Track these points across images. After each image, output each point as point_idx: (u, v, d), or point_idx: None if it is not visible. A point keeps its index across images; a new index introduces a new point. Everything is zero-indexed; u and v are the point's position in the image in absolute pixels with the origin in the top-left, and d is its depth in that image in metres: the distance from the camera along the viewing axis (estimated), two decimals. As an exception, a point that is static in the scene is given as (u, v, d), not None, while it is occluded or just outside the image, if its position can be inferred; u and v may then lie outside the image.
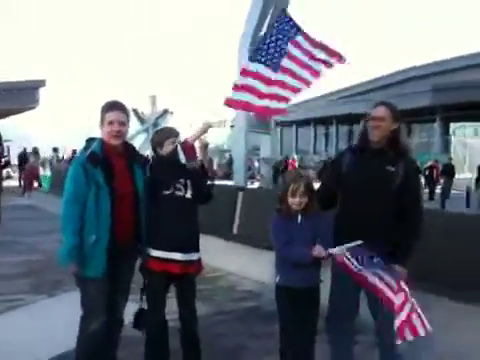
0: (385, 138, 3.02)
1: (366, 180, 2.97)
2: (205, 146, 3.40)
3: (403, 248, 2.97)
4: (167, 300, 3.27)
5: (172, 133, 3.30)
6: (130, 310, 3.29)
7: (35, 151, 20.62)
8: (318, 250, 2.87)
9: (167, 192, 3.20)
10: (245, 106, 3.96)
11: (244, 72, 3.91)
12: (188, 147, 3.25)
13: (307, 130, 46.12)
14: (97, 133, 3.17)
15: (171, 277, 3.20)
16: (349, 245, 2.81)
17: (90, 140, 3.15)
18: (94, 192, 2.95)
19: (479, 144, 28.98)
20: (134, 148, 3.31)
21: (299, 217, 3.04)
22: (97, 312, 3.03)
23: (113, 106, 3.07)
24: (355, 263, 2.83)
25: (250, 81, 3.87)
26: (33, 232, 9.32)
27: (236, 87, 3.84)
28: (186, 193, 3.22)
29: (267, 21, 16.38)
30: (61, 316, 4.43)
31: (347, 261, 2.85)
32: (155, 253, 3.18)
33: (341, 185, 3.11)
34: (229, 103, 3.86)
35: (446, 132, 34.76)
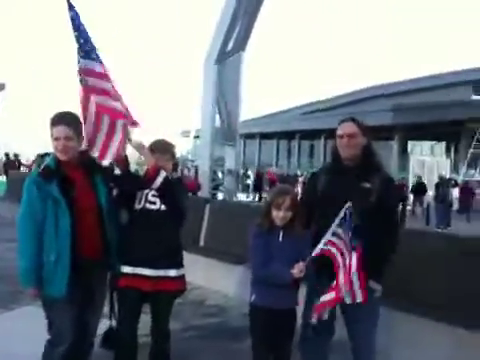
0: (357, 155, 2.98)
1: (341, 198, 2.86)
2: (139, 147, 3.09)
3: (379, 263, 2.91)
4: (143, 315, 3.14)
5: (157, 148, 3.15)
6: (102, 328, 3.14)
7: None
8: (298, 268, 2.73)
9: (139, 205, 3.09)
10: (109, 111, 3.19)
11: (88, 72, 3.13)
12: (119, 160, 3.11)
13: (270, 143, 46.57)
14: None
15: (145, 294, 3.04)
16: (330, 230, 2.70)
17: (43, 156, 2.97)
18: (51, 208, 2.78)
19: (436, 162, 29.97)
20: (94, 160, 3.10)
21: (280, 234, 2.91)
22: (65, 335, 2.83)
23: (59, 120, 2.87)
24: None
25: (98, 82, 3.13)
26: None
27: (88, 89, 3.14)
28: (161, 206, 3.08)
29: (235, 34, 16.57)
30: (16, 333, 4.15)
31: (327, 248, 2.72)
32: (125, 269, 3.03)
33: (317, 204, 3.04)
34: (99, 110, 3.17)
35: (404, 150, 35.77)
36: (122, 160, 3.11)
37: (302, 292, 3.07)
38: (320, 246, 2.71)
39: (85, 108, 3.08)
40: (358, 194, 2.88)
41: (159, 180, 2.98)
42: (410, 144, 36.11)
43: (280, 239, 2.90)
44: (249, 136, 44.30)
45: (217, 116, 16.53)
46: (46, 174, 2.81)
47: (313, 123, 38.54)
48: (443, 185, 16.14)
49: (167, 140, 3.29)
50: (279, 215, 2.88)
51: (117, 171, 3.13)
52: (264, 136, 46.21)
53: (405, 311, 4.15)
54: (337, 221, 2.70)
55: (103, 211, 2.96)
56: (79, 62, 3.03)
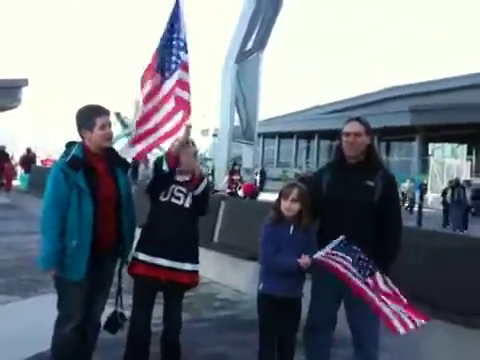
0: (361, 153, 3.10)
1: (346, 196, 3.01)
2: (194, 154, 3.32)
3: (385, 259, 2.97)
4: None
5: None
6: (108, 313, 3.28)
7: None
8: (304, 260, 2.86)
9: (164, 199, 3.20)
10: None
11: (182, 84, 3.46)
12: (171, 157, 3.19)
13: (289, 143, 46.47)
14: (75, 136, 3.16)
15: (159, 283, 3.16)
16: (332, 244, 2.78)
17: (70, 144, 3.14)
18: (76, 196, 2.94)
19: (455, 165, 29.64)
20: (116, 152, 3.30)
21: (291, 227, 3.03)
22: (74, 315, 3.01)
23: (104, 110, 3.11)
24: (337, 256, 2.78)
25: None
26: (11, 232, 9.15)
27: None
28: (185, 202, 3.21)
29: (254, 35, 16.62)
30: (35, 318, 4.35)
31: (329, 260, 2.79)
32: (142, 257, 3.17)
33: (322, 201, 3.12)
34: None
35: (425, 152, 35.39)
36: (172, 156, 3.19)
37: (308, 285, 3.16)
38: (321, 253, 2.80)
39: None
40: (362, 192, 2.99)
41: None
42: (431, 146, 35.72)
43: (290, 232, 3.02)
44: (268, 135, 44.29)
45: (236, 115, 16.65)
46: (74, 164, 2.98)
47: (331, 123, 38.44)
48: (458, 188, 16.00)
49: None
50: (286, 205, 3.01)
51: (164, 166, 3.17)
52: (283, 135, 46.14)
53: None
54: (331, 246, 2.77)
55: (121, 201, 3.13)
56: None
